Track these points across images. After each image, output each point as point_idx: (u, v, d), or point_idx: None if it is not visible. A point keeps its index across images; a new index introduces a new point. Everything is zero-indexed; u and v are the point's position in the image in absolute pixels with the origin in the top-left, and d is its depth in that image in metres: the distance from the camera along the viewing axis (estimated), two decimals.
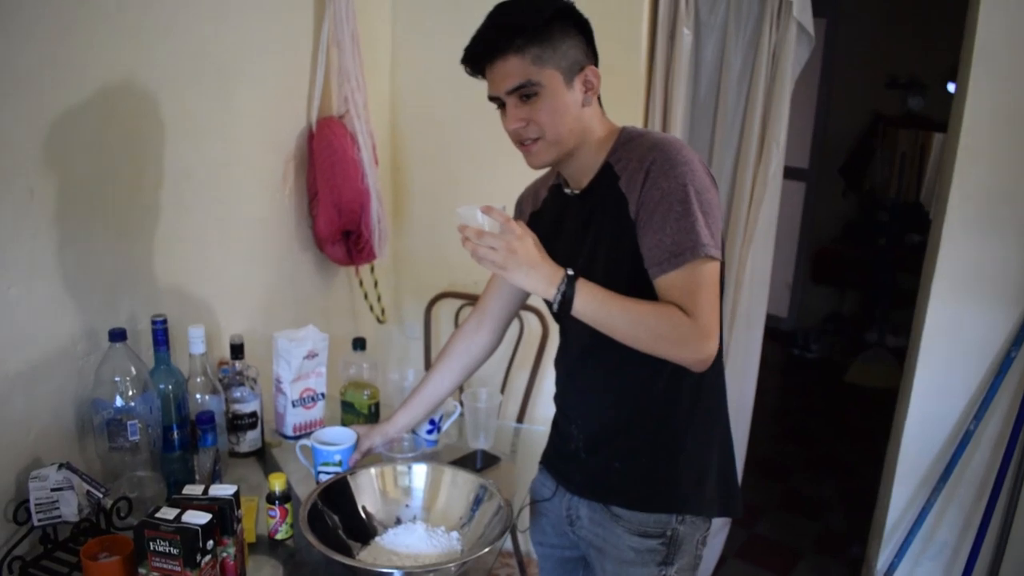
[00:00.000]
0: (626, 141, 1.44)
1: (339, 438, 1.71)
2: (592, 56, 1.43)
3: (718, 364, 1.51)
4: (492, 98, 1.43)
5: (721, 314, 1.41)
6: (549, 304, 1.34)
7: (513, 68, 1.36)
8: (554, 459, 1.71)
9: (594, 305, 1.33)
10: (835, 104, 5.37)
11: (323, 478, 1.64)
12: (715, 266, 1.36)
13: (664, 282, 1.34)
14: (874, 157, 5.25)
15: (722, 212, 1.41)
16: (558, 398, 1.69)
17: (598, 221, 1.44)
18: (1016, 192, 2.28)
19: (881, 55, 5.11)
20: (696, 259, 1.32)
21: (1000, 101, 2.25)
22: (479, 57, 1.40)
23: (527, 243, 1.32)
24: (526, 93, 1.37)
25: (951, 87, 2.55)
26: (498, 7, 1.39)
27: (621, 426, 1.54)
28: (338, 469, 1.66)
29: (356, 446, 1.70)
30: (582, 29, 1.41)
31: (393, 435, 1.77)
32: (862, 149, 5.34)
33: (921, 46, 4.81)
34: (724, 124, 2.67)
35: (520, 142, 1.43)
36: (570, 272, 1.33)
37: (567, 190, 1.54)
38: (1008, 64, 2.22)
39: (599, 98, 1.48)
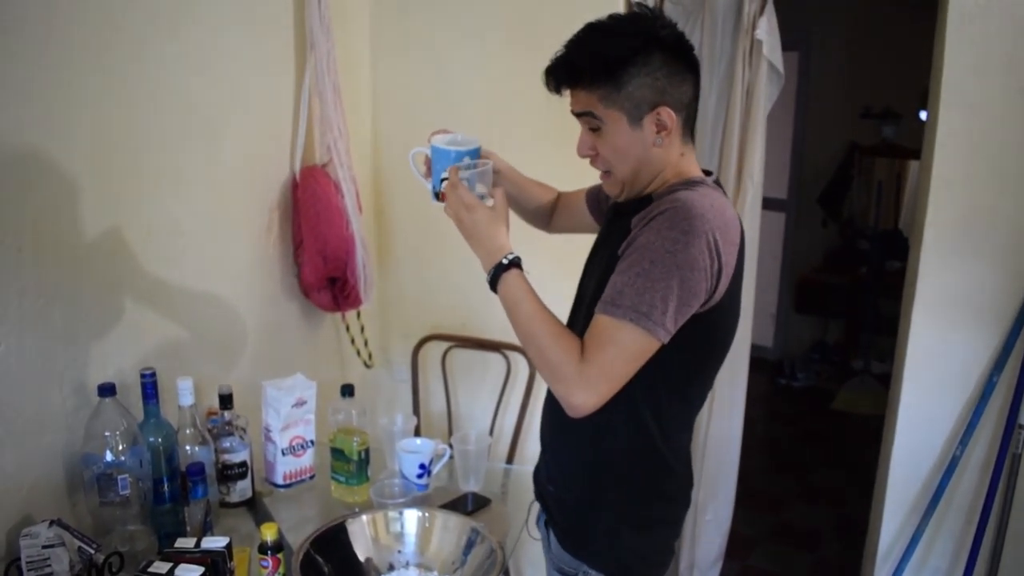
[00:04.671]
0: (680, 187, 1.38)
1: (460, 144, 1.51)
2: (672, 91, 1.35)
3: (677, 448, 1.49)
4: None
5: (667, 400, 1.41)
6: None
7: (581, 98, 1.37)
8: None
9: (511, 297, 1.38)
10: (811, 135, 5.46)
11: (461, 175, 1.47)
12: (642, 339, 1.28)
13: (594, 320, 1.32)
14: (852, 186, 5.31)
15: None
16: None
17: (611, 243, 1.44)
18: (990, 217, 2.32)
19: (854, 86, 5.20)
20: (626, 320, 1.27)
21: (969, 129, 2.29)
22: (553, 84, 1.39)
23: (475, 216, 1.41)
24: (590, 125, 1.38)
25: (923, 115, 2.60)
26: (585, 34, 1.36)
27: (560, 454, 1.56)
28: (484, 165, 1.49)
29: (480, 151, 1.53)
30: (669, 62, 1.34)
31: (501, 167, 1.66)
32: (840, 178, 5.40)
33: (893, 75, 4.90)
34: (702, 158, 2.70)
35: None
36: (506, 260, 1.38)
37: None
38: (975, 92, 2.27)
39: (693, 135, 1.44)
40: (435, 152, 1.48)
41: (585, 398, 1.30)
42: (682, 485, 1.55)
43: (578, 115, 1.40)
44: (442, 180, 1.48)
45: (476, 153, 1.51)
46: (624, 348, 1.29)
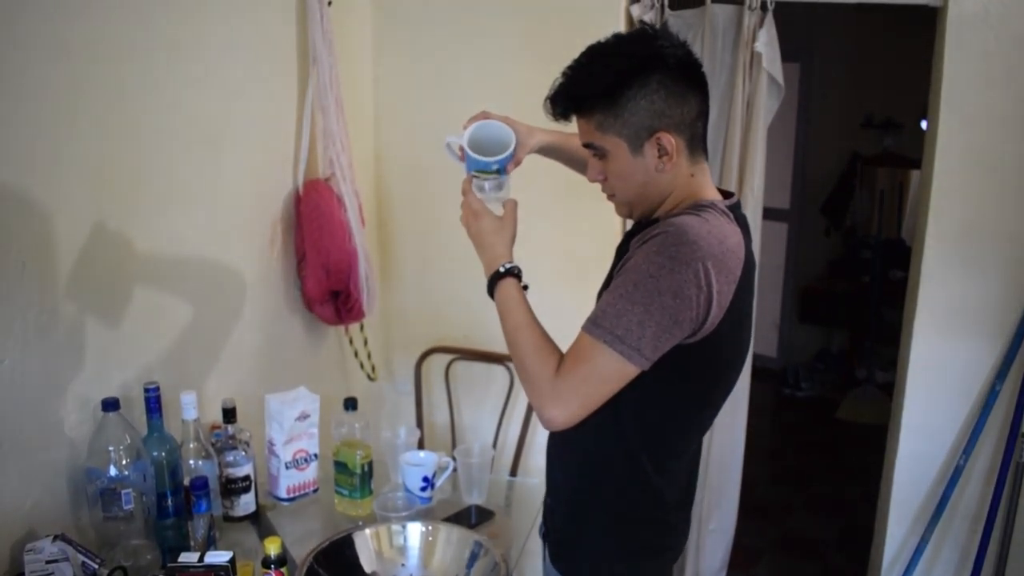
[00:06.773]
0: (685, 211, 1.33)
1: (495, 139, 1.52)
2: (671, 113, 1.31)
3: (672, 478, 1.45)
4: None
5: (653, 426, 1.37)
6: None
7: (582, 127, 1.37)
8: None
9: (504, 305, 1.41)
10: (813, 145, 5.46)
11: (474, 183, 1.52)
12: (616, 363, 1.25)
13: (577, 336, 1.31)
14: (854, 195, 5.32)
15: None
16: None
17: (614, 264, 1.44)
18: (990, 227, 2.33)
19: (855, 96, 5.22)
20: (601, 342, 1.25)
21: (969, 139, 2.30)
22: (552, 112, 1.38)
23: (480, 223, 1.47)
24: (596, 154, 1.38)
25: (924, 124, 2.61)
26: (581, 59, 1.34)
27: (556, 468, 1.55)
28: (497, 177, 1.52)
29: (515, 152, 1.53)
30: (668, 83, 1.30)
31: (548, 141, 1.64)
32: (842, 188, 5.41)
33: (894, 85, 4.91)
34: None
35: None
36: (503, 268, 1.42)
37: None
38: (974, 103, 2.28)
39: (706, 151, 1.40)
40: (468, 158, 1.52)
41: (556, 413, 1.28)
42: (673, 514, 1.51)
43: (584, 146, 1.40)
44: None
45: (507, 160, 1.52)
46: (597, 369, 1.27)
